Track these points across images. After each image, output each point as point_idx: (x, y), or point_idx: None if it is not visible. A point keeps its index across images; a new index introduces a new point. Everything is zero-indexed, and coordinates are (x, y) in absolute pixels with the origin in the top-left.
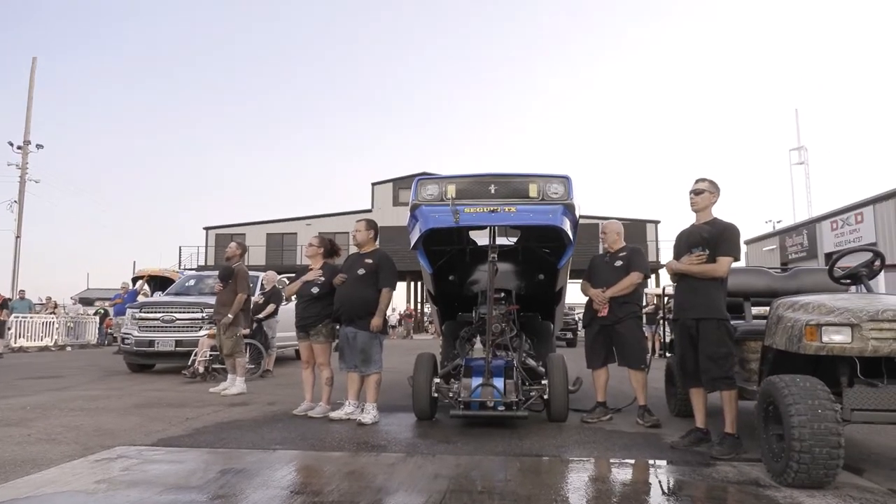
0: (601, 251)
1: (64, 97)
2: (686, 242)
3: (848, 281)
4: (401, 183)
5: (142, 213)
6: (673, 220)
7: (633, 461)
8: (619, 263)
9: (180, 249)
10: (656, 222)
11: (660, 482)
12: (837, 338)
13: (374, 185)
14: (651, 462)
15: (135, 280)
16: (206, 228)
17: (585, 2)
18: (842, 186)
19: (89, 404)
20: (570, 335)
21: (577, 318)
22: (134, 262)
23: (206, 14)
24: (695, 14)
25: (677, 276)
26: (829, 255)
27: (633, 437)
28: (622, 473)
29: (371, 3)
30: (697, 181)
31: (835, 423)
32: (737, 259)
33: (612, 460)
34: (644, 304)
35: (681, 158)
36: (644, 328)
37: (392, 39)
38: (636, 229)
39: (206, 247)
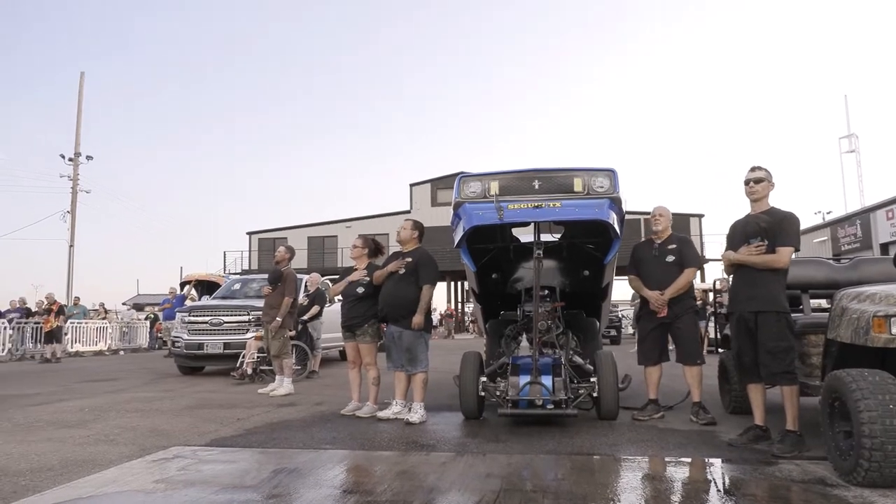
0: (644, 238)
1: (110, 107)
2: (743, 232)
3: None
4: (439, 183)
5: (187, 219)
6: (717, 213)
7: (689, 460)
8: (670, 259)
9: (225, 254)
10: (700, 216)
11: (719, 481)
12: None
13: (412, 185)
14: (709, 461)
15: (182, 285)
16: (250, 233)
17: None
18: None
19: (144, 406)
20: (613, 332)
21: (620, 315)
22: (181, 268)
23: (246, 19)
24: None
25: (733, 268)
26: (884, 246)
27: (687, 434)
28: (679, 472)
29: (406, 3)
30: (755, 169)
31: None
32: (797, 249)
33: (667, 459)
34: None
35: (725, 149)
36: None
37: (427, 40)
38: (680, 223)
39: (250, 251)
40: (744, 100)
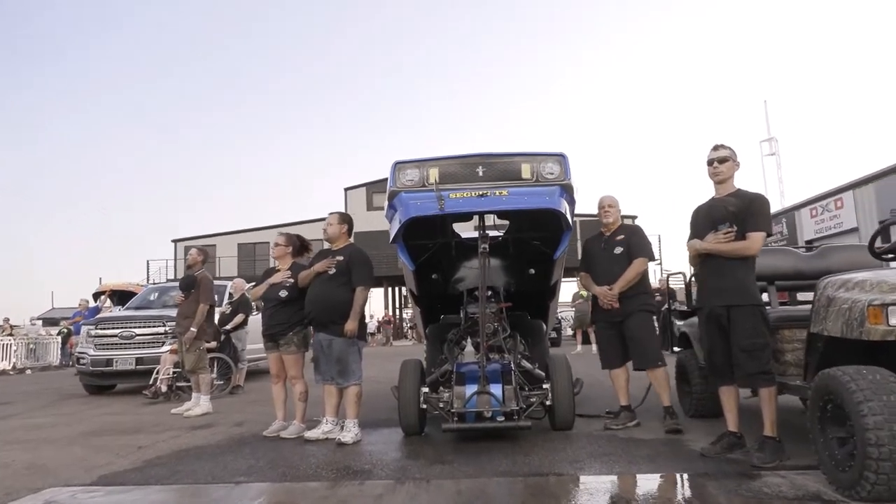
0: (599, 232)
1: (23, 108)
2: (708, 218)
3: (890, 255)
4: (374, 187)
5: (108, 228)
6: (647, 214)
7: (663, 476)
8: (619, 250)
9: (148, 263)
10: (633, 217)
11: (702, 501)
12: None
13: (346, 190)
14: (685, 476)
15: (96, 296)
16: (175, 241)
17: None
18: (813, 176)
19: (29, 435)
20: (553, 334)
21: (560, 318)
22: (100, 279)
23: (175, 22)
24: (660, 6)
25: (699, 258)
26: (809, 242)
27: (653, 445)
28: (654, 492)
29: (343, 4)
30: (718, 147)
31: None
32: (769, 234)
33: (638, 476)
34: None
35: (650, 151)
36: None
37: (363, 41)
38: None
39: (175, 259)
40: (669, 104)
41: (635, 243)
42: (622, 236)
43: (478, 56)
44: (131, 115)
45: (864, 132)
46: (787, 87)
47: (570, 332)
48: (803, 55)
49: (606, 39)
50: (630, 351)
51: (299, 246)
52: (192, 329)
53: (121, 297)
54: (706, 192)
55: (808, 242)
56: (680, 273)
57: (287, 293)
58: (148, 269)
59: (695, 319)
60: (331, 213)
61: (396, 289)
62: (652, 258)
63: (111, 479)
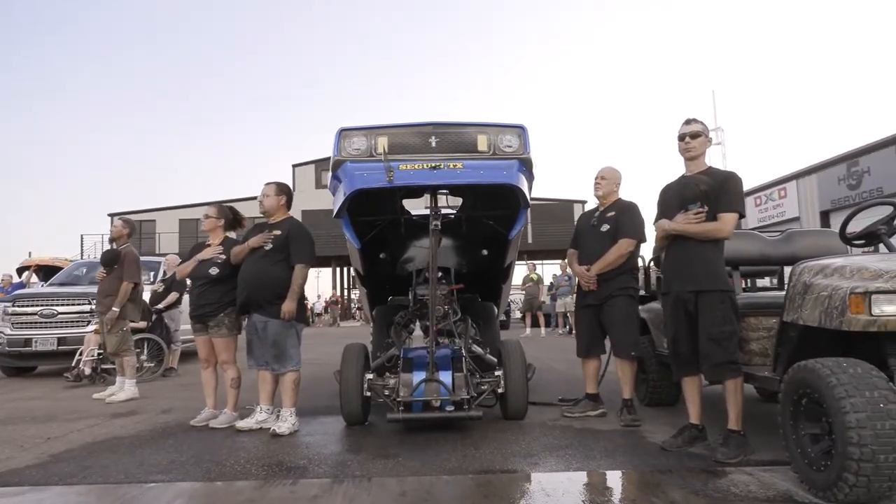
0: (595, 207)
1: None
2: (678, 197)
3: (861, 241)
4: (323, 164)
5: (41, 200)
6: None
7: (624, 472)
8: (605, 228)
9: (82, 238)
10: (583, 202)
11: (667, 501)
12: (891, 308)
13: (294, 166)
14: (647, 474)
15: (20, 271)
16: (111, 215)
17: None
18: (756, 166)
19: None
20: (502, 317)
21: (509, 300)
22: (29, 253)
23: None
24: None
25: (667, 240)
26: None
27: (610, 437)
28: (615, 491)
29: None
30: (690, 122)
31: None
32: (742, 215)
33: (598, 473)
34: None
35: (600, 140)
36: None
37: (312, 15)
38: (563, 209)
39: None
40: (620, 95)
41: (623, 222)
42: (612, 213)
43: (432, 30)
44: (70, 85)
45: (808, 124)
46: (734, 78)
47: (518, 315)
48: (752, 48)
49: (563, 25)
50: (609, 336)
51: (232, 219)
52: (114, 308)
53: (48, 272)
54: (657, 177)
55: (755, 230)
56: (639, 256)
57: (218, 270)
58: (82, 243)
59: (652, 305)
60: (267, 184)
61: (345, 269)
62: (640, 239)
63: (6, 477)
